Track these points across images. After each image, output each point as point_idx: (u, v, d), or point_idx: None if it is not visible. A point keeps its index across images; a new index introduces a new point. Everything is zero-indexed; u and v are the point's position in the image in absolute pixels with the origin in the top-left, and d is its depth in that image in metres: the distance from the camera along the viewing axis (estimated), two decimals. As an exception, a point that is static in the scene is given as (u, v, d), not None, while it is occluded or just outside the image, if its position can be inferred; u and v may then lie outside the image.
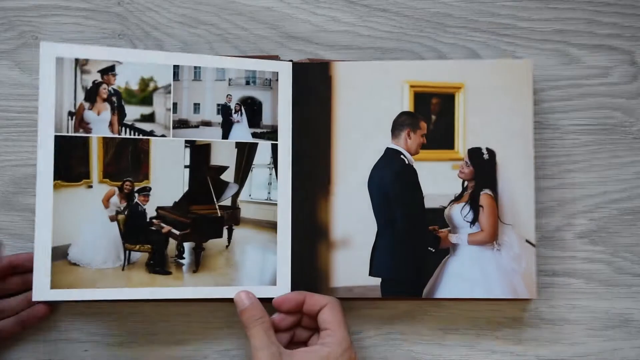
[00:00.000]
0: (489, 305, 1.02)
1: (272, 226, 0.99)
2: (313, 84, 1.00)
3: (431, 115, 1.00)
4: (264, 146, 0.99)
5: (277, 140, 0.99)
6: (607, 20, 1.04)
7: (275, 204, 0.99)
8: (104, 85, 0.96)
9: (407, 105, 1.00)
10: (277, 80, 0.99)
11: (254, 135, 0.99)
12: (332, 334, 0.93)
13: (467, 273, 0.99)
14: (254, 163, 1.00)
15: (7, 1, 1.04)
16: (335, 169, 0.99)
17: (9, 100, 1.02)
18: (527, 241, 0.99)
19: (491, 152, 0.99)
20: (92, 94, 0.96)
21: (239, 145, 0.99)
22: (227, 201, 1.02)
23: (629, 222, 1.03)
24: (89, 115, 0.96)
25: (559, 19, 1.04)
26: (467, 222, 0.99)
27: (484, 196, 0.99)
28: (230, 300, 0.97)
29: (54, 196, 0.93)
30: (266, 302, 0.98)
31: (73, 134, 0.95)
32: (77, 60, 0.95)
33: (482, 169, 0.99)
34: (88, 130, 0.95)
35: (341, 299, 0.98)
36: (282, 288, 0.98)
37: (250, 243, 0.99)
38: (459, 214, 0.99)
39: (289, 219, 0.99)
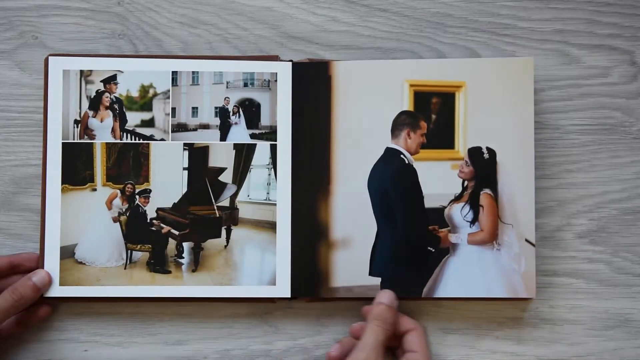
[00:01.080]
0: (489, 305, 1.03)
1: (271, 226, 1.00)
2: (312, 84, 1.01)
3: (431, 115, 1.01)
4: (262, 147, 1.01)
5: (275, 141, 1.01)
6: (607, 20, 1.05)
7: (274, 204, 1.00)
8: (107, 94, 1.00)
9: (407, 105, 1.01)
10: (275, 81, 1.01)
11: (253, 136, 1.02)
12: (420, 358, 0.94)
13: (466, 273, 1.00)
14: (252, 164, 1.02)
15: (7, 1, 1.05)
16: (334, 169, 1.00)
17: (9, 100, 1.04)
18: (527, 241, 1.00)
19: (491, 152, 1.00)
20: (95, 103, 1.00)
21: (237, 146, 1.02)
22: (225, 202, 1.04)
23: (629, 222, 1.04)
24: (93, 122, 1.00)
25: (559, 19, 1.05)
26: (467, 221, 1.00)
27: (484, 196, 1.00)
28: (230, 300, 1.00)
29: (61, 199, 0.99)
30: (266, 301, 1.01)
31: (78, 141, 0.99)
32: (81, 72, 1.00)
33: (482, 169, 1.00)
34: (92, 137, 1.00)
35: (341, 299, 1.00)
36: (281, 288, 0.99)
37: (249, 243, 1.01)
38: (459, 213, 1.01)
39: (288, 219, 1.00)
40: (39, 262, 0.99)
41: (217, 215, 1.04)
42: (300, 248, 1.00)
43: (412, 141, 1.01)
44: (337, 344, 0.98)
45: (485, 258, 1.01)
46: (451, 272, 1.01)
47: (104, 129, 1.01)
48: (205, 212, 1.04)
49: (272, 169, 1.01)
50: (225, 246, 1.03)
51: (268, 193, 1.02)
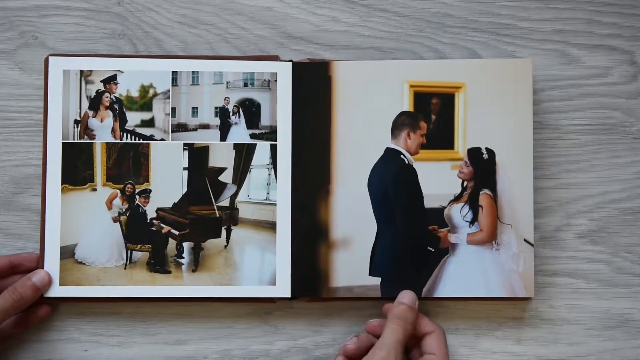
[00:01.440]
0: (489, 305, 1.03)
1: (271, 226, 1.00)
2: (313, 84, 1.01)
3: (431, 115, 1.02)
4: (262, 147, 1.01)
5: (275, 141, 1.01)
6: (607, 20, 1.05)
7: (274, 204, 1.01)
8: (107, 94, 1.00)
9: (407, 105, 1.01)
10: (275, 81, 1.02)
11: (253, 136, 1.02)
12: None
13: (466, 273, 1.01)
14: (252, 164, 1.02)
15: (7, 1, 1.05)
16: (334, 169, 1.01)
17: (9, 100, 1.04)
18: (526, 240, 1.01)
19: (490, 152, 1.01)
20: (95, 103, 1.00)
21: (237, 146, 1.02)
22: (225, 202, 1.04)
23: (629, 222, 1.04)
24: (93, 122, 1.00)
25: (559, 19, 1.05)
26: (467, 222, 1.01)
27: (484, 196, 1.01)
28: (230, 300, 1.00)
29: (61, 199, 0.99)
30: (266, 301, 1.01)
31: (78, 141, 0.99)
32: (81, 72, 1.00)
33: (482, 169, 1.01)
34: (92, 137, 1.00)
35: (341, 299, 1.01)
36: (281, 288, 1.00)
37: (249, 243, 1.02)
38: (459, 213, 1.01)
39: (288, 219, 1.00)
40: (39, 262, 0.99)
41: (217, 215, 1.04)
42: (300, 248, 1.00)
43: (412, 141, 1.01)
44: (354, 337, 0.98)
45: (484, 258, 1.01)
46: (450, 272, 1.01)
47: (104, 129, 1.01)
48: (205, 212, 1.04)
49: (272, 169, 1.01)
50: (225, 246, 1.03)
51: (268, 193, 1.02)
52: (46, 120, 1.00)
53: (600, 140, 1.05)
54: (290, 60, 1.02)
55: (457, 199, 1.02)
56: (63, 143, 1.00)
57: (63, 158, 1.00)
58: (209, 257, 1.02)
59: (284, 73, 1.02)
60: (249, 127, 1.02)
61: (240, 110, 1.02)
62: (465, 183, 1.02)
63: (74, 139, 1.01)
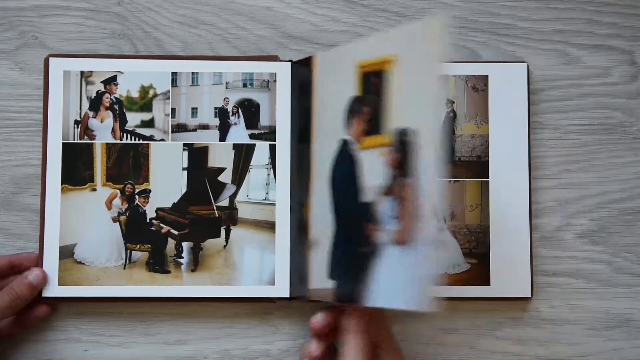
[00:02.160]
0: (489, 305, 1.03)
1: (270, 226, 1.01)
2: (305, 82, 1.01)
3: (376, 96, 0.90)
4: (261, 147, 1.02)
5: (274, 141, 1.02)
6: (607, 20, 1.06)
7: (273, 204, 1.01)
8: (107, 95, 1.01)
9: (355, 89, 0.93)
10: (274, 81, 1.03)
11: (252, 136, 1.03)
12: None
13: (392, 278, 0.86)
14: (251, 164, 1.03)
15: (7, 1, 1.05)
16: (314, 166, 0.99)
17: (9, 100, 1.04)
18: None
19: (412, 133, 0.84)
20: (96, 103, 1.01)
21: (236, 146, 1.03)
22: (224, 202, 1.05)
23: (629, 222, 1.04)
24: (93, 123, 1.01)
25: (559, 19, 1.06)
26: (391, 217, 0.87)
27: (404, 186, 0.85)
28: (229, 300, 1.01)
29: (61, 199, 1.00)
30: (265, 301, 1.01)
31: (79, 141, 1.00)
32: (82, 72, 1.01)
33: (406, 154, 0.84)
34: (92, 137, 1.01)
35: (314, 302, 0.98)
36: (280, 288, 1.00)
37: (249, 243, 1.02)
38: (385, 208, 0.88)
39: (287, 218, 1.01)
40: (38, 262, 1.00)
41: (217, 215, 1.05)
42: (298, 248, 1.00)
43: (357, 128, 0.93)
44: (314, 346, 0.95)
45: (403, 260, 0.85)
46: (378, 277, 0.87)
47: (104, 130, 1.02)
48: (204, 212, 1.04)
49: (271, 169, 1.02)
50: (225, 246, 1.04)
51: (267, 193, 1.03)
52: (46, 121, 1.01)
53: (600, 140, 1.05)
54: (290, 60, 1.03)
55: (385, 190, 0.88)
56: (63, 143, 1.01)
57: (63, 158, 1.01)
58: (208, 257, 1.03)
59: (283, 73, 1.02)
60: (248, 127, 1.03)
61: (240, 110, 1.03)
62: (394, 171, 0.87)
63: (74, 139, 1.02)
